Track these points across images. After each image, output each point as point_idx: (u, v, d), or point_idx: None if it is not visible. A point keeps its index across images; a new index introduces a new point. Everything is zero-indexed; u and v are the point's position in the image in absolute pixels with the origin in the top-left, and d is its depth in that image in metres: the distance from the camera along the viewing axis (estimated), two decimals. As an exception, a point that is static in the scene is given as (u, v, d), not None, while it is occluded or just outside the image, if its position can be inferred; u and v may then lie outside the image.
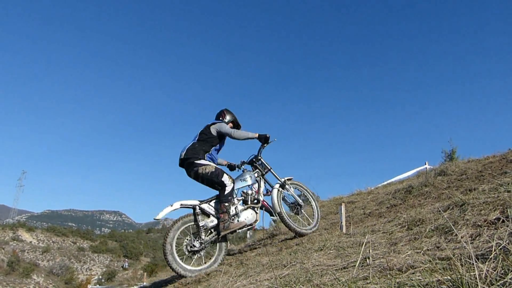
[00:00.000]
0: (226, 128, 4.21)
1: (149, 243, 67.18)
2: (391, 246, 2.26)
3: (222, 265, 3.79)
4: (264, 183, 4.44)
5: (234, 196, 4.09)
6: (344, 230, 3.63)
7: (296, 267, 2.38)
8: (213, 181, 3.95)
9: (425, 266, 1.53)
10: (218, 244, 3.91)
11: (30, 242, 50.91)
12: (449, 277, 1.22)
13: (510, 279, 1.09)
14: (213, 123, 4.26)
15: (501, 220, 1.95)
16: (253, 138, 4.23)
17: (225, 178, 3.95)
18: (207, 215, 3.92)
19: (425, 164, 10.64)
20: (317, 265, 2.26)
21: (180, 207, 3.83)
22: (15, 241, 48.32)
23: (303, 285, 1.78)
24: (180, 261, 3.65)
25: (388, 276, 1.59)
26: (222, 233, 3.81)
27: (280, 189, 4.34)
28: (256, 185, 4.32)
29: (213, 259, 3.87)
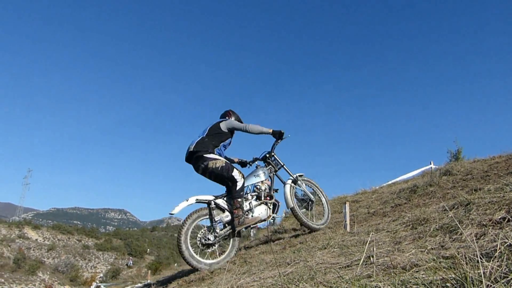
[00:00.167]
0: (237, 123, 4.21)
1: (153, 241, 67.41)
2: (395, 245, 2.25)
3: (227, 262, 3.80)
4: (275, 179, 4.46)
5: (248, 191, 4.11)
6: (348, 229, 3.63)
7: (300, 265, 2.38)
8: (222, 176, 3.92)
9: (429, 264, 1.52)
10: (231, 239, 3.94)
11: (36, 239, 51.32)
12: (453, 275, 1.22)
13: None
14: (223, 120, 4.24)
15: (506, 220, 1.94)
16: (267, 133, 4.19)
17: (236, 173, 3.94)
18: (222, 210, 3.94)
19: (430, 163, 10.57)
20: (320, 263, 2.26)
21: (196, 202, 3.85)
22: (21, 239, 48.72)
23: (306, 283, 1.78)
24: (193, 253, 3.67)
25: (392, 274, 1.58)
26: (237, 228, 3.83)
27: (293, 184, 4.37)
28: (269, 181, 4.33)
29: (226, 253, 3.88)
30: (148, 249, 57.31)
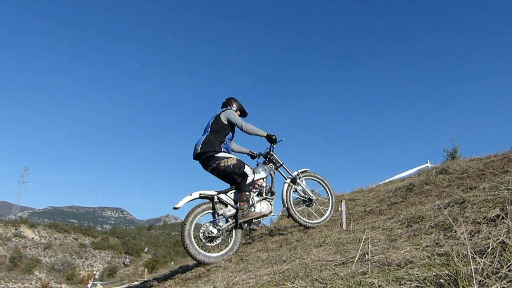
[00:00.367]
0: (236, 117, 4.22)
1: (150, 239, 67.40)
2: (390, 242, 2.27)
3: (223, 260, 3.82)
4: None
5: (257, 186, 4.19)
6: (344, 227, 3.65)
7: (296, 263, 2.39)
8: (234, 173, 4.01)
9: (424, 261, 1.54)
10: (234, 233, 3.99)
11: (32, 238, 51.17)
12: (446, 272, 1.23)
13: (505, 271, 1.10)
14: (222, 111, 4.25)
15: (500, 217, 1.96)
16: (261, 136, 4.32)
17: (247, 169, 4.03)
18: (225, 204, 3.99)
19: (427, 162, 10.61)
20: (316, 261, 2.28)
21: (199, 197, 3.89)
22: (17, 237, 48.55)
23: (302, 280, 1.79)
24: (196, 246, 3.71)
25: (387, 271, 1.60)
26: (240, 221, 3.88)
27: (291, 184, 4.46)
28: (269, 178, 4.42)
29: (229, 247, 3.93)
30: (146, 248, 57.29)
